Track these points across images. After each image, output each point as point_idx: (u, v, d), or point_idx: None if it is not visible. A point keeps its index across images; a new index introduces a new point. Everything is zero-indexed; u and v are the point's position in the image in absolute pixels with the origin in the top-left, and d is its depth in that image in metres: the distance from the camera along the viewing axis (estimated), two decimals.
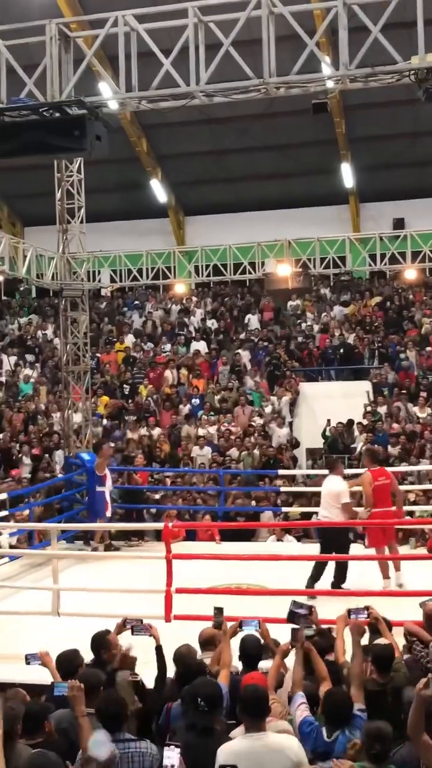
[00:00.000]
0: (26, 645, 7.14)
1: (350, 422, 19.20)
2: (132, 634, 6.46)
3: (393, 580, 10.69)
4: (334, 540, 11.05)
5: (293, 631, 6.02)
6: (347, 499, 11.08)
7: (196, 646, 6.60)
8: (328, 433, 18.98)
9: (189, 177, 27.54)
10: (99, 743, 3.94)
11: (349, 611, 6.40)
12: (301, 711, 5.34)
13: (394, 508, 11.32)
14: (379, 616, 6.45)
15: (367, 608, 6.44)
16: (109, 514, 14.73)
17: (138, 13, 10.61)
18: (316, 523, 13.48)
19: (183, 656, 6.17)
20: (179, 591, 9.74)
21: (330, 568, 10.84)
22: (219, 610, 6.69)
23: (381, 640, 6.24)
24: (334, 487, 11.21)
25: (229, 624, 6.47)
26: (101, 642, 6.39)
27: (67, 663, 6.01)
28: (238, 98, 10.43)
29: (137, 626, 6.48)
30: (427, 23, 9.90)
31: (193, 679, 5.46)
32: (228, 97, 10.33)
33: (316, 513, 13.12)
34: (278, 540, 14.36)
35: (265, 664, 6.12)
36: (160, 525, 11.62)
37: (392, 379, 20.85)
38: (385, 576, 10.69)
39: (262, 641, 6.33)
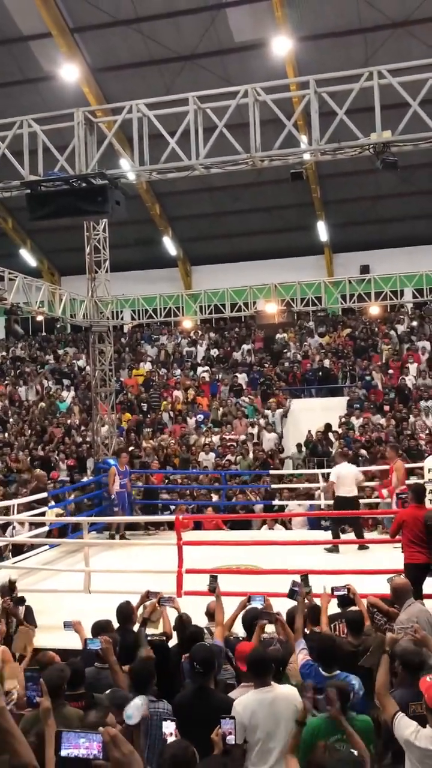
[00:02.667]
0: (63, 617, 7.07)
1: (328, 426, 19.10)
2: (159, 605, 6.44)
3: None
4: (352, 508, 11.99)
5: (292, 593, 5.96)
6: (361, 476, 12.53)
7: (203, 618, 6.57)
8: (309, 441, 18.87)
9: (194, 234, 27.65)
10: (136, 707, 3.73)
11: (333, 588, 6.38)
12: (303, 656, 5.27)
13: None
14: (356, 592, 6.42)
15: (347, 586, 6.44)
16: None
17: (149, 102, 10.65)
18: (303, 514, 13.42)
19: (183, 624, 6.15)
20: (189, 571, 9.68)
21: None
22: (213, 578, 6.68)
23: (354, 608, 6.18)
24: (354, 470, 12.37)
25: (239, 600, 6.45)
26: (125, 612, 6.40)
27: (101, 629, 5.93)
28: (230, 169, 10.45)
29: (164, 598, 6.48)
30: (384, 107, 9.93)
31: (192, 643, 5.40)
32: (222, 169, 10.34)
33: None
34: (269, 528, 14.29)
35: (269, 628, 6.05)
36: (171, 518, 11.52)
37: (362, 396, 20.81)
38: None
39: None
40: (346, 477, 12.15)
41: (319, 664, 5.10)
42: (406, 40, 19.77)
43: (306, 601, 6.11)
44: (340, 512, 11.93)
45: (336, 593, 6.34)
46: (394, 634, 5.00)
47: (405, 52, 18.65)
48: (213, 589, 6.54)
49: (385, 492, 12.44)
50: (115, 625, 6.27)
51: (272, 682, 4.64)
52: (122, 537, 13.95)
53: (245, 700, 4.60)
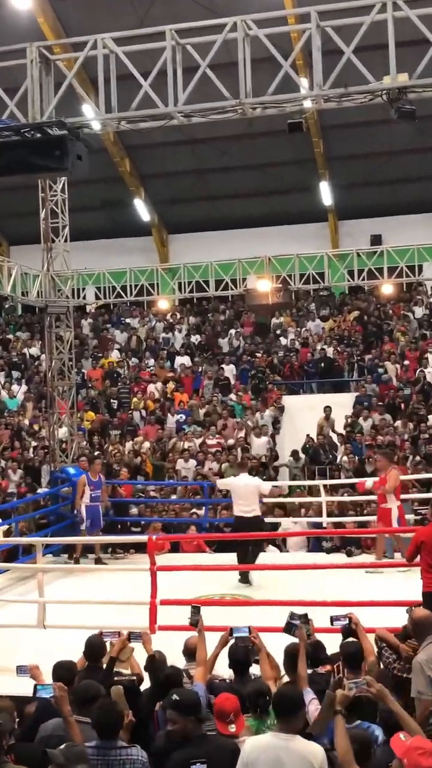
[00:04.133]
0: (12, 658, 7.06)
1: (327, 412, 19.40)
2: (129, 641, 6.49)
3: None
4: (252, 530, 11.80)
5: (290, 627, 6.03)
6: (266, 487, 12.49)
7: (181, 657, 6.59)
8: (308, 446, 18.94)
9: (171, 196, 27.60)
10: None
11: (332, 618, 6.40)
12: (315, 706, 5.27)
13: None
14: (360, 623, 6.44)
15: (348, 616, 6.46)
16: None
17: (117, 36, 10.63)
18: (296, 533, 13.50)
19: (156, 664, 6.16)
20: (164, 603, 9.68)
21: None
22: (196, 609, 6.69)
23: (351, 640, 6.23)
24: (253, 482, 12.23)
25: (219, 634, 6.45)
26: (96, 646, 6.42)
27: (65, 671, 5.92)
28: (215, 118, 10.47)
29: (134, 633, 6.54)
30: (399, 44, 9.97)
31: (168, 687, 5.43)
32: (205, 118, 10.36)
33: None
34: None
35: (257, 670, 6.09)
36: (143, 537, 11.53)
37: (372, 392, 20.90)
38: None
39: (251, 646, 6.29)
40: (243, 492, 12.02)
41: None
42: None
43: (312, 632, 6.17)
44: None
45: (336, 623, 6.38)
46: (344, 690, 5.01)
47: None
48: (195, 623, 6.56)
49: (369, 483, 13.00)
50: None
51: (297, 735, 4.61)
52: (98, 561, 13.93)
53: (258, 740, 4.64)
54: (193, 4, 20.40)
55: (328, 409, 19.60)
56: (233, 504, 12.30)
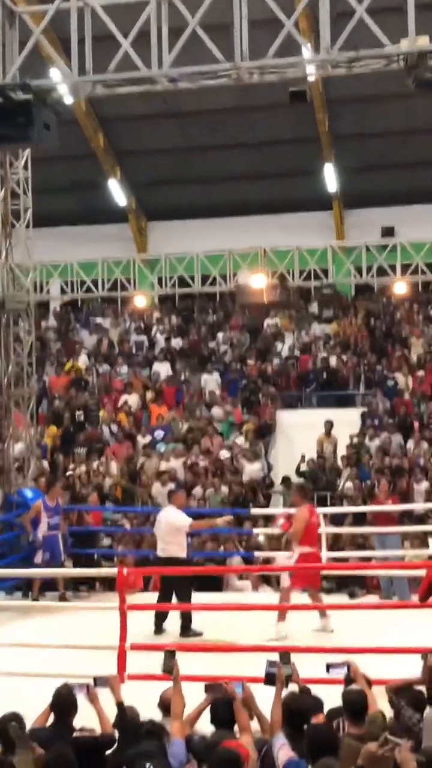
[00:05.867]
0: None
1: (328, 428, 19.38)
2: (95, 686, 6.45)
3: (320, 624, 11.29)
4: (176, 581, 11.59)
5: (269, 675, 6.06)
6: (185, 522, 12.07)
7: (155, 711, 6.55)
8: (303, 468, 18.94)
9: (152, 177, 27.63)
10: None
11: (328, 666, 6.39)
12: (284, 752, 5.32)
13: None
14: (360, 672, 6.44)
15: (347, 663, 6.47)
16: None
17: None
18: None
19: (126, 718, 6.15)
20: (135, 647, 9.65)
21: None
22: (170, 654, 6.72)
23: (354, 687, 6.21)
24: (174, 519, 11.97)
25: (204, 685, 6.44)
26: (66, 700, 6.27)
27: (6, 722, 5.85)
28: (207, 84, 10.53)
29: (99, 678, 6.52)
30: (419, 5, 10.07)
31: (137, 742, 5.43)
32: (194, 83, 10.42)
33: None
34: (253, 590, 14.30)
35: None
36: (113, 571, 11.50)
37: (382, 407, 20.94)
38: (280, 619, 11.15)
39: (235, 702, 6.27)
40: (162, 528, 12.13)
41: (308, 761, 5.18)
42: None
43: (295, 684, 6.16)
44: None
45: (332, 672, 6.43)
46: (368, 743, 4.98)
47: None
48: (169, 670, 6.55)
49: (280, 520, 13.06)
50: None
51: None
52: (62, 598, 13.89)
53: None
54: None
55: (329, 425, 19.63)
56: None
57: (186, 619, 11.52)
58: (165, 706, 6.55)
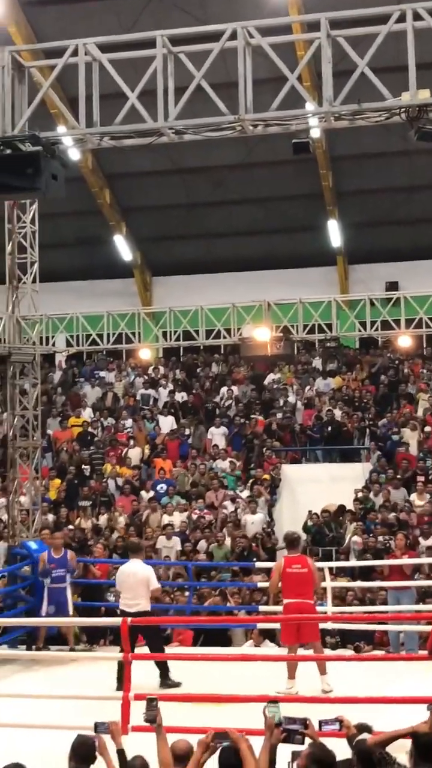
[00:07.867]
0: None
1: (341, 509, 19.11)
2: (95, 732, 6.38)
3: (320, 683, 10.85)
4: (150, 632, 11.60)
5: (290, 733, 5.98)
6: (156, 584, 11.85)
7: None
8: (310, 523, 18.83)
9: (157, 232, 27.90)
10: None
11: (321, 722, 6.31)
12: None
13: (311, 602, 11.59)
14: (351, 725, 6.37)
15: (338, 719, 6.38)
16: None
17: (101, 42, 10.89)
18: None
19: (126, 765, 6.09)
20: (138, 697, 9.53)
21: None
22: (151, 702, 6.56)
23: (364, 736, 6.14)
24: (142, 572, 11.75)
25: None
26: (86, 748, 6.18)
27: None
28: (211, 136, 10.69)
29: (100, 724, 6.44)
30: (420, 60, 10.25)
31: None
32: (199, 135, 10.58)
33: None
34: (255, 645, 14.14)
35: None
36: (117, 620, 11.41)
37: (384, 463, 20.85)
38: (290, 676, 10.86)
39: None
40: (130, 582, 11.83)
41: None
42: None
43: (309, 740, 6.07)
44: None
45: (324, 728, 6.30)
46: None
47: None
48: (152, 719, 6.46)
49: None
50: None
51: None
52: (72, 651, 13.77)
53: None
54: (186, 16, 20.84)
55: (341, 507, 19.38)
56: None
57: (164, 669, 11.39)
58: (175, 756, 6.47)
